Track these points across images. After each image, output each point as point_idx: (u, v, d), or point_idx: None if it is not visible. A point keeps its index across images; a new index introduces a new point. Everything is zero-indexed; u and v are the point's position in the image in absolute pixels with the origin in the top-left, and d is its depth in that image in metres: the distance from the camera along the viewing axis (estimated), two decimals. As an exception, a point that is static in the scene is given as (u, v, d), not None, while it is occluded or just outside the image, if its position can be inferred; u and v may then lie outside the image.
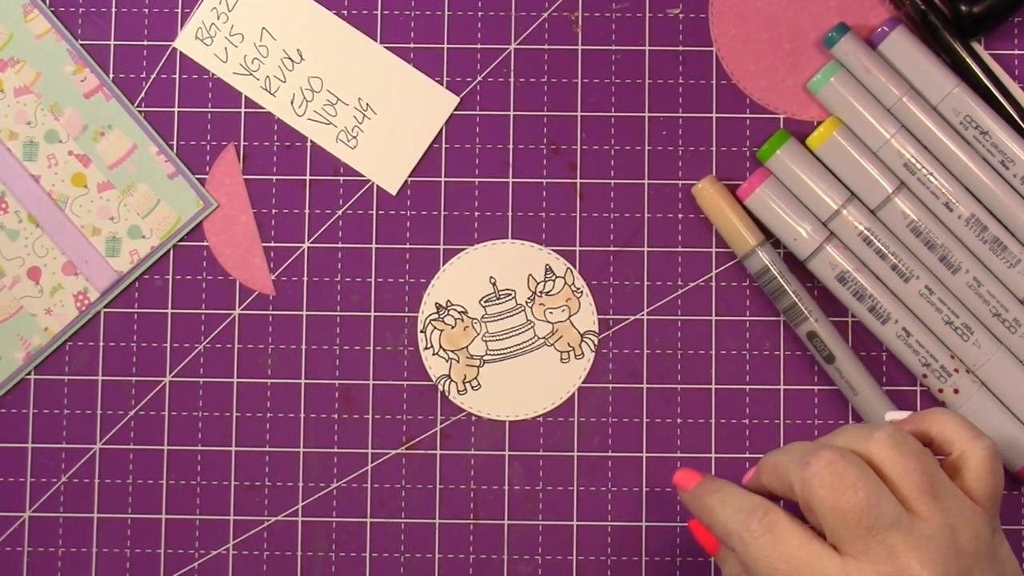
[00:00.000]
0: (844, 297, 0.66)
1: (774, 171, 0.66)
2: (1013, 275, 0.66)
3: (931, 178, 0.66)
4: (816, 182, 0.66)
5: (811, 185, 0.66)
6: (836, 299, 0.67)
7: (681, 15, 0.69)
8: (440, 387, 0.68)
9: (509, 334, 0.68)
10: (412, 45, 0.69)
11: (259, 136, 0.69)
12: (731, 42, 0.69)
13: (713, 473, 0.67)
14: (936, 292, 0.66)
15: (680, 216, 0.68)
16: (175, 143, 0.69)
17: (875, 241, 0.66)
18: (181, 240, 0.69)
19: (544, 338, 0.68)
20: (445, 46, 0.69)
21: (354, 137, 0.69)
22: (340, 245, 0.68)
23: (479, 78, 0.69)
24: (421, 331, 0.68)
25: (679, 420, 0.68)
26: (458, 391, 0.68)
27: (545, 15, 0.69)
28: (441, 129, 0.69)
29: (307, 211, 0.69)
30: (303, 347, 0.68)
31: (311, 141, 0.69)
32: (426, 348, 0.68)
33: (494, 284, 0.68)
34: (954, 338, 0.66)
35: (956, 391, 0.65)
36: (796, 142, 0.67)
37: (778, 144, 0.66)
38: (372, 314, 0.68)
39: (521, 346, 0.68)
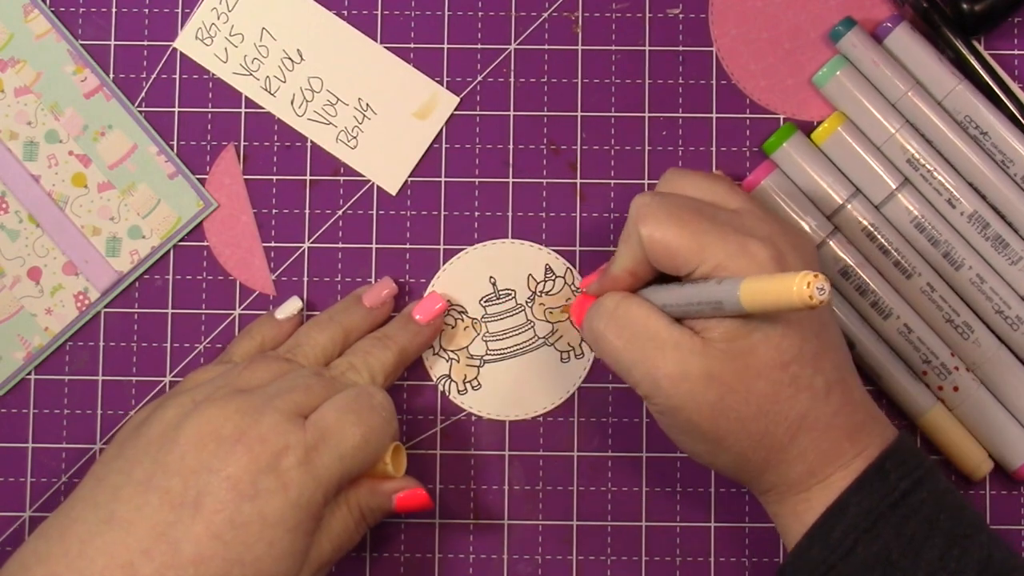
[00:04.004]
0: (847, 292, 0.66)
1: (780, 164, 0.66)
2: (1015, 272, 0.66)
3: (934, 174, 0.66)
4: (821, 176, 0.66)
5: (816, 179, 0.66)
6: (839, 293, 0.66)
7: (681, 15, 0.69)
8: (440, 387, 0.68)
9: (509, 334, 0.68)
10: (412, 45, 0.69)
11: (259, 136, 0.69)
12: (731, 42, 0.69)
13: (713, 476, 0.67)
14: (938, 289, 0.66)
15: (680, 216, 0.68)
16: (175, 143, 0.69)
17: (878, 237, 0.66)
18: (181, 240, 0.68)
19: (544, 338, 0.68)
20: (445, 46, 0.69)
21: (354, 137, 0.69)
22: (340, 245, 0.68)
23: (479, 78, 0.69)
24: (421, 331, 0.68)
25: (679, 420, 0.67)
26: (458, 391, 0.68)
27: (545, 15, 0.69)
28: (441, 129, 0.69)
29: (307, 211, 0.69)
30: (303, 347, 0.68)
31: (311, 141, 0.69)
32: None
33: (494, 284, 0.68)
34: (955, 336, 0.66)
35: (956, 389, 0.65)
36: (803, 136, 0.67)
37: (784, 137, 0.66)
38: (372, 314, 0.68)
39: (521, 346, 0.68)
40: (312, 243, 0.69)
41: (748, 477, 0.59)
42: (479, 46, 0.69)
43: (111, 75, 0.69)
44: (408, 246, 0.68)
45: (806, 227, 0.65)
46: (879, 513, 0.55)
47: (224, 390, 0.60)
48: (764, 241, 0.56)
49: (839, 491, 0.56)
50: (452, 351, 0.68)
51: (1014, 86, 0.67)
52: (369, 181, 0.69)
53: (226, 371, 0.62)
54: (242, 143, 0.69)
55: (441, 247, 0.68)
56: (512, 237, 0.68)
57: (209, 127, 0.69)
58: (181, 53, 0.69)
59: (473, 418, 0.68)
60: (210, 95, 0.69)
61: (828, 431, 0.57)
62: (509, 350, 0.68)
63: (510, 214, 0.68)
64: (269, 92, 0.69)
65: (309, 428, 0.58)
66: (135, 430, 0.60)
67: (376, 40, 0.69)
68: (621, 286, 0.60)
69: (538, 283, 0.68)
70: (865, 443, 0.57)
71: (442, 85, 0.69)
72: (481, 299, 0.68)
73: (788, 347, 0.56)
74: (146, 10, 0.69)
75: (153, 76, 0.69)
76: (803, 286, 0.50)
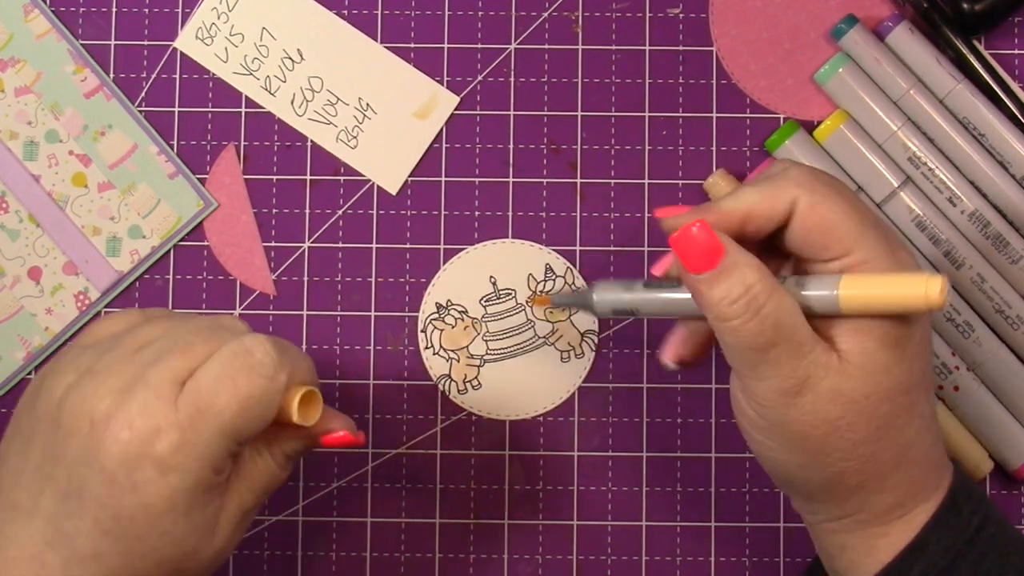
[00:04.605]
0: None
1: (782, 162, 0.67)
2: (1015, 272, 0.66)
3: (935, 172, 0.66)
4: (822, 175, 0.66)
5: (816, 179, 0.66)
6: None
7: (681, 15, 0.69)
8: (440, 387, 0.68)
9: (509, 333, 0.68)
10: (412, 45, 0.69)
11: (259, 136, 0.69)
12: (731, 42, 0.69)
13: (713, 476, 0.67)
14: (938, 288, 0.66)
15: (680, 215, 0.68)
16: (175, 143, 0.69)
17: (877, 236, 0.66)
18: (181, 240, 0.69)
19: (544, 337, 0.68)
20: (445, 46, 0.69)
21: (354, 137, 0.69)
22: (340, 245, 0.68)
23: (479, 78, 0.69)
24: (421, 331, 0.68)
25: (679, 420, 0.67)
26: (458, 391, 0.68)
27: (545, 15, 0.69)
28: (441, 129, 0.69)
29: (307, 211, 0.69)
30: (303, 346, 0.68)
31: (311, 141, 0.69)
32: (426, 348, 0.68)
33: (494, 284, 0.68)
34: (955, 335, 0.66)
35: (956, 388, 0.65)
36: (805, 133, 0.67)
37: (787, 135, 0.66)
38: (372, 314, 0.68)
39: (521, 345, 0.68)
40: (312, 243, 0.69)
41: (828, 498, 0.55)
42: (479, 46, 0.69)
43: (111, 75, 0.69)
44: (408, 246, 0.68)
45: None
46: (957, 551, 0.53)
47: (109, 356, 0.54)
48: (906, 248, 0.54)
49: (919, 526, 0.54)
50: (452, 351, 0.68)
51: (1014, 86, 0.67)
52: (369, 181, 0.69)
53: (126, 328, 0.57)
54: (242, 143, 0.69)
55: (441, 247, 0.68)
56: (512, 237, 0.68)
57: (209, 127, 0.69)
58: (181, 53, 0.69)
59: (473, 418, 0.68)
60: (210, 95, 0.69)
61: (924, 462, 0.54)
62: (509, 350, 0.68)
63: (510, 214, 0.69)
64: (269, 92, 0.69)
65: (182, 406, 0.52)
66: (32, 398, 0.55)
67: (376, 40, 0.69)
68: (725, 224, 0.54)
69: (538, 283, 0.68)
70: (941, 476, 0.55)
71: (442, 85, 0.69)
72: (481, 299, 0.68)
73: (916, 370, 0.53)
74: (146, 10, 0.69)
75: (153, 76, 0.69)
76: (935, 287, 0.48)
